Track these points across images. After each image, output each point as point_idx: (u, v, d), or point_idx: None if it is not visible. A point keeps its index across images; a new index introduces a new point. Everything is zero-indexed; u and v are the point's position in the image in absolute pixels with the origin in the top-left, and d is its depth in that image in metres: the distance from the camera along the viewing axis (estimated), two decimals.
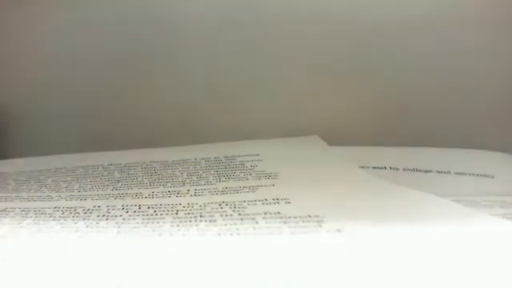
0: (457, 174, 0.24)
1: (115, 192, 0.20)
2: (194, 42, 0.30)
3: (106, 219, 0.16)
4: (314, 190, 0.19)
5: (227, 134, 0.28)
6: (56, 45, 0.31)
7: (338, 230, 0.14)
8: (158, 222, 0.16)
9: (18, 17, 0.30)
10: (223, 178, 0.21)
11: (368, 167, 0.23)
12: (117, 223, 0.16)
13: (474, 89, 0.29)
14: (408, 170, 0.24)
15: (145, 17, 0.30)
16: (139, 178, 0.22)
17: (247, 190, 0.19)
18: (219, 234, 0.14)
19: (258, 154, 0.24)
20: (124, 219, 0.16)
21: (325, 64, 0.30)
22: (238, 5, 0.29)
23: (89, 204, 0.18)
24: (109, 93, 0.31)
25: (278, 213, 0.16)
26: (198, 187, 0.20)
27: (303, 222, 0.15)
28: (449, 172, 0.24)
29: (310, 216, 0.15)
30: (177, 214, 0.16)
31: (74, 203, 0.19)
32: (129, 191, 0.20)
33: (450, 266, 0.12)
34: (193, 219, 0.16)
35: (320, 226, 0.14)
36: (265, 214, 0.16)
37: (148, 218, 0.16)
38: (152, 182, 0.21)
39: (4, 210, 0.18)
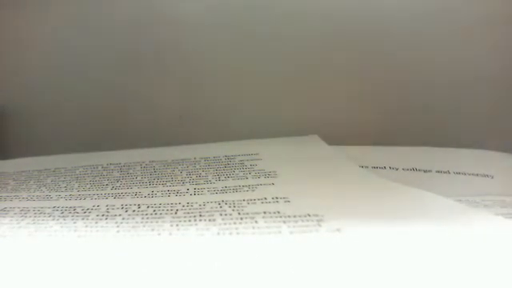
0: (456, 173, 0.24)
1: (114, 191, 0.20)
2: (194, 42, 0.30)
3: (106, 219, 0.16)
4: (314, 189, 0.19)
5: (227, 133, 0.28)
6: (56, 45, 0.31)
7: (338, 230, 0.14)
8: (157, 222, 0.15)
9: (18, 17, 0.30)
10: (222, 177, 0.21)
11: (367, 167, 0.23)
12: (116, 223, 0.16)
13: (474, 89, 0.29)
14: (407, 169, 0.24)
15: (145, 17, 0.30)
16: (138, 178, 0.22)
17: (246, 189, 0.19)
18: (218, 234, 0.14)
19: (257, 153, 0.24)
20: (123, 219, 0.16)
21: (325, 64, 0.30)
22: (238, 5, 0.29)
23: (88, 203, 0.18)
24: (108, 93, 0.31)
25: (278, 212, 0.16)
26: (197, 186, 0.20)
27: (303, 221, 0.15)
28: (448, 172, 0.24)
29: (309, 215, 0.15)
30: (176, 213, 0.16)
31: (73, 203, 0.19)
32: (128, 191, 0.20)
33: (451, 265, 0.12)
34: (192, 218, 0.16)
35: (319, 225, 0.14)
36: (264, 213, 0.16)
37: (147, 218, 0.16)
38: (151, 182, 0.21)
39: (3, 209, 0.18)
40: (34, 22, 0.30)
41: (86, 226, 0.15)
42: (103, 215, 0.17)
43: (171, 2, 0.29)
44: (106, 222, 0.16)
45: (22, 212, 0.18)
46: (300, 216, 0.15)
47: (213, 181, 0.21)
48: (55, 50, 0.31)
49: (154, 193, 0.20)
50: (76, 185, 0.21)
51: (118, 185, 0.21)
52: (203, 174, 0.22)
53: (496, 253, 0.13)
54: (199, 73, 0.30)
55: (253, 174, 0.21)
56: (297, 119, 0.30)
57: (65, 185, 0.22)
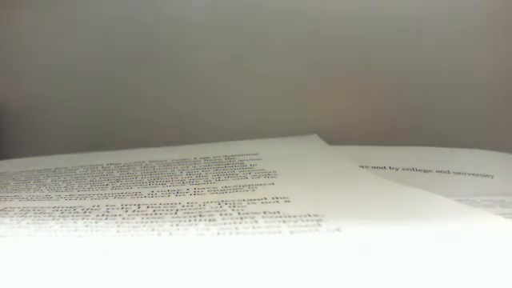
0: (456, 173, 0.24)
1: (114, 191, 0.20)
2: (194, 42, 0.30)
3: (106, 219, 0.16)
4: (314, 189, 0.19)
5: (227, 133, 0.28)
6: (56, 45, 0.31)
7: (338, 229, 0.14)
8: (157, 222, 0.15)
9: (18, 17, 0.30)
10: (222, 177, 0.21)
11: (367, 167, 0.23)
12: (116, 223, 0.16)
13: (474, 89, 0.29)
14: (407, 169, 0.24)
15: (144, 17, 0.30)
16: (138, 178, 0.22)
17: (246, 188, 0.19)
18: (218, 234, 0.14)
19: (257, 153, 0.24)
20: (123, 219, 0.16)
21: (325, 64, 0.30)
22: (238, 5, 0.29)
23: (88, 203, 0.18)
24: (108, 93, 0.31)
25: (278, 212, 0.16)
26: (197, 186, 0.20)
27: (303, 221, 0.15)
28: (448, 172, 0.24)
29: (309, 215, 0.15)
30: (176, 213, 0.16)
31: (73, 203, 0.19)
32: (128, 190, 0.20)
33: (451, 265, 0.12)
34: (192, 218, 0.16)
35: (319, 225, 0.14)
36: (264, 213, 0.16)
37: (147, 218, 0.16)
38: (151, 182, 0.21)
39: (3, 209, 0.18)
40: (35, 21, 0.30)
41: (86, 226, 0.15)
42: (103, 215, 0.17)
43: (172, 3, 0.29)
44: (106, 222, 0.16)
45: (22, 212, 0.18)
46: (300, 216, 0.15)
47: (213, 181, 0.21)
48: (55, 49, 0.31)
49: (154, 193, 0.20)
50: (76, 185, 0.21)
51: (118, 185, 0.21)
52: (203, 173, 0.22)
53: (496, 253, 0.13)
54: (199, 73, 0.30)
55: (253, 173, 0.21)
56: (297, 119, 0.30)
57: (65, 185, 0.22)
